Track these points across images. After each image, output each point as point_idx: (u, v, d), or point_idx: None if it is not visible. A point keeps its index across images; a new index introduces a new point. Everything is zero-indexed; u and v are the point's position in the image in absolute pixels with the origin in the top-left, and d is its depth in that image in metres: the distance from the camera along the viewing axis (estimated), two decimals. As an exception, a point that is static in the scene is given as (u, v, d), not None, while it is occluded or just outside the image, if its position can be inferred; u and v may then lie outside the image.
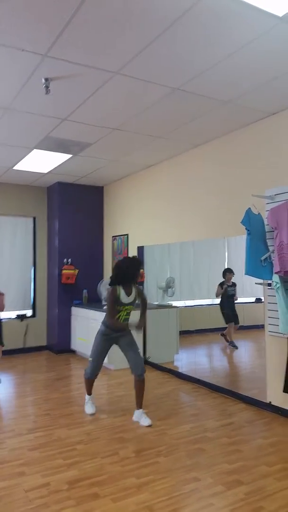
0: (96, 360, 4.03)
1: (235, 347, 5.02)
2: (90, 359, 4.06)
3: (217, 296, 5.02)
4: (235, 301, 4.95)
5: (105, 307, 4.07)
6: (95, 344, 4.03)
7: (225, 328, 5.16)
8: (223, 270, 5.02)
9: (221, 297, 5.06)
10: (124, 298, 3.87)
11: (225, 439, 3.43)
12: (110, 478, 2.84)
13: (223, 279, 5.00)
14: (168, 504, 2.51)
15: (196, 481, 2.78)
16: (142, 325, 3.90)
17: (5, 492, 2.70)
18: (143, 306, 3.99)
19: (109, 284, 3.96)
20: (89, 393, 4.19)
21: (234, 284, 4.90)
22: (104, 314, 4.12)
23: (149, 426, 3.72)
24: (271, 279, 3.76)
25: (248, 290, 4.64)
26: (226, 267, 5.03)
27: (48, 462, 3.10)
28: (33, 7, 2.43)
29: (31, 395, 4.75)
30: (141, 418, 3.82)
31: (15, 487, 2.76)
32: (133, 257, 4.11)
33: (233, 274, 4.86)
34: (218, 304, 5.16)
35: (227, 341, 5.13)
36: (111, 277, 3.99)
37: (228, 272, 4.94)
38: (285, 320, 3.61)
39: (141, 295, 4.01)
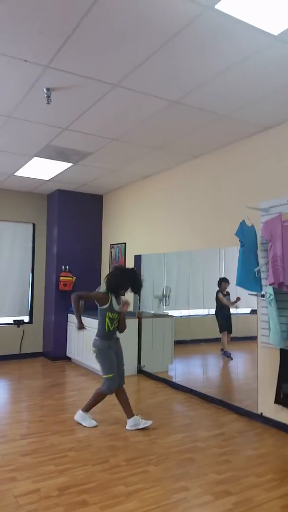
0: (115, 372, 3.90)
1: (230, 357, 5.03)
2: (110, 375, 3.87)
3: (226, 304, 5.04)
4: (231, 309, 4.98)
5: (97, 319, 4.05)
6: (107, 361, 3.89)
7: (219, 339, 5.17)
8: (218, 279, 5.06)
9: (216, 306, 5.09)
10: (115, 306, 3.92)
11: (215, 449, 3.44)
12: (100, 486, 2.85)
13: (218, 288, 5.04)
14: (156, 513, 2.52)
15: (185, 490, 2.79)
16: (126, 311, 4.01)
17: (-5, 497, 2.71)
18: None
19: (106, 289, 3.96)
20: (132, 414, 3.95)
21: (228, 293, 4.94)
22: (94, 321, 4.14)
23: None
24: (260, 291, 3.81)
25: (243, 301, 4.67)
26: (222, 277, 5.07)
27: (40, 468, 3.12)
28: (36, 19, 2.50)
29: (26, 401, 4.76)
30: (140, 422, 3.88)
31: (6, 492, 2.77)
32: (132, 268, 4.16)
33: (228, 283, 4.90)
34: (214, 314, 5.19)
35: (223, 353, 5.15)
36: (109, 284, 3.95)
37: (223, 281, 4.98)
38: (276, 332, 3.65)
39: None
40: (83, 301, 4.03)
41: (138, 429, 3.85)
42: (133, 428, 3.86)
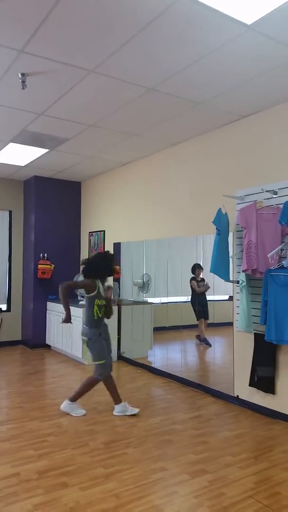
0: (107, 359, 3.93)
1: (208, 344, 5.13)
2: (102, 361, 3.87)
3: (198, 291, 5.10)
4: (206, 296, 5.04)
5: (81, 302, 4.03)
6: (98, 348, 3.89)
7: (197, 325, 5.26)
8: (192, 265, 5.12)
9: (191, 294, 5.15)
10: (102, 292, 3.94)
11: (192, 431, 3.54)
12: (79, 468, 2.91)
13: (193, 275, 5.10)
14: (134, 492, 2.60)
15: (163, 470, 2.88)
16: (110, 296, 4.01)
17: (-26, 482, 2.73)
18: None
19: (90, 277, 3.93)
20: (119, 400, 3.98)
21: (203, 280, 5.00)
22: (79, 310, 4.13)
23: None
24: (228, 279, 3.91)
25: (223, 288, 4.75)
26: (203, 266, 5.12)
27: (19, 453, 3.15)
28: (9, 4, 2.45)
29: (4, 388, 4.77)
30: (128, 408, 3.93)
31: (-15, 477, 2.80)
32: (106, 251, 4.16)
33: (202, 269, 4.97)
34: (189, 301, 5.27)
35: (198, 339, 5.23)
36: (87, 270, 3.96)
37: (197, 268, 5.03)
38: (244, 318, 3.77)
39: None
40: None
41: (125, 415, 3.91)
42: (120, 414, 3.91)
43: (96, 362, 3.90)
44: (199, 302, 5.10)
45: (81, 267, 4.05)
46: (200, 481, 2.72)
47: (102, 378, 3.92)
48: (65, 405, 3.98)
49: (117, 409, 3.94)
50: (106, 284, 4.04)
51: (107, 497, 2.55)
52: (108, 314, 4.02)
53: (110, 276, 4.10)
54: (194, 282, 5.09)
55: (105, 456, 3.09)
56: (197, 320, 5.18)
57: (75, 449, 3.22)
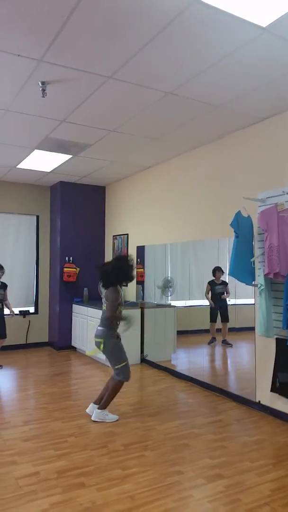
0: (127, 359, 3.94)
1: (228, 344, 5.06)
2: (123, 364, 3.88)
3: (206, 294, 5.09)
4: (227, 300, 4.99)
5: (104, 309, 4.02)
6: (118, 351, 3.91)
7: (220, 329, 5.20)
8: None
9: (211, 296, 5.11)
10: (123, 297, 3.98)
11: (211, 435, 3.52)
12: (97, 469, 2.95)
13: (213, 278, 5.06)
14: (149, 495, 2.61)
15: (179, 474, 2.88)
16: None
17: (-5, 479, 2.82)
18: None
19: (111, 285, 3.92)
20: (106, 406, 3.98)
21: (224, 283, 4.96)
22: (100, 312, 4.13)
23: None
24: (251, 283, 3.85)
25: (247, 292, 4.68)
26: (225, 268, 5.08)
27: (40, 452, 3.23)
28: (25, 15, 2.54)
29: (30, 389, 4.89)
30: (108, 415, 3.91)
31: (6, 474, 2.89)
32: (118, 256, 4.12)
33: (223, 272, 4.92)
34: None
35: (223, 342, 5.17)
36: (105, 281, 3.94)
37: (217, 270, 4.99)
38: (263, 322, 3.71)
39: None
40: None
41: (103, 421, 3.86)
42: (99, 420, 3.85)
43: (117, 366, 3.88)
44: (216, 304, 5.06)
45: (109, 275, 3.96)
46: (216, 486, 2.71)
47: (126, 380, 3.91)
48: (96, 415, 3.87)
49: (99, 415, 3.88)
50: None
51: (123, 498, 2.57)
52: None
53: (130, 280, 3.99)
54: (208, 285, 5.06)
55: (123, 458, 3.12)
56: (210, 322, 5.14)
57: (94, 450, 3.27)
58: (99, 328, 3.95)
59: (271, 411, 3.96)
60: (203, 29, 2.65)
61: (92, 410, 3.96)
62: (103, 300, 3.97)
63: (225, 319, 4.99)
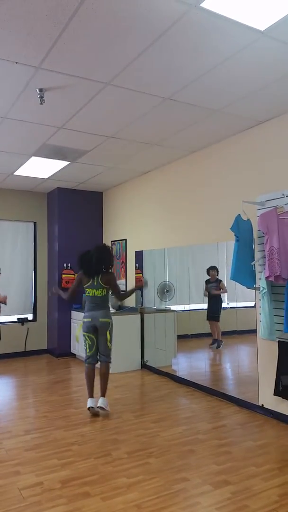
0: None
1: (218, 346, 5.04)
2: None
3: (205, 294, 5.11)
4: (226, 302, 5.00)
5: (100, 294, 4.42)
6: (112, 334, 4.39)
7: (221, 333, 5.20)
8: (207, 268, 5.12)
9: (208, 294, 5.15)
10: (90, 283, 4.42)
11: (216, 441, 3.50)
12: (102, 478, 2.92)
13: (209, 277, 5.08)
14: (156, 503, 2.58)
15: (185, 481, 2.85)
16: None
17: (0, 490, 2.78)
18: None
19: (96, 274, 4.35)
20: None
21: (217, 280, 4.97)
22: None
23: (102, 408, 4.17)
24: (252, 286, 3.84)
25: (247, 295, 4.68)
26: (226, 273, 5.08)
27: (43, 462, 3.19)
28: (23, 22, 2.53)
29: (30, 397, 4.84)
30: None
31: (10, 485, 2.85)
32: (104, 244, 4.57)
33: (217, 271, 4.94)
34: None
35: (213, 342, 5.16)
36: (108, 265, 4.39)
37: (211, 269, 5.01)
38: (266, 325, 3.70)
39: None
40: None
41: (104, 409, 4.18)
42: (107, 408, 4.20)
43: (111, 346, 4.33)
44: (210, 303, 5.08)
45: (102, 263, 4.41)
46: (223, 493, 2.68)
47: (110, 361, 4.35)
48: (102, 402, 4.19)
49: (105, 402, 4.21)
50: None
51: (129, 507, 2.54)
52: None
53: (111, 268, 4.44)
54: (205, 285, 5.09)
55: (127, 466, 3.09)
56: (207, 321, 5.16)
57: (98, 458, 3.23)
58: (100, 311, 4.30)
59: (274, 415, 3.94)
60: (201, 34, 2.65)
61: (96, 401, 4.25)
62: (95, 285, 4.30)
63: (214, 318, 5.00)
